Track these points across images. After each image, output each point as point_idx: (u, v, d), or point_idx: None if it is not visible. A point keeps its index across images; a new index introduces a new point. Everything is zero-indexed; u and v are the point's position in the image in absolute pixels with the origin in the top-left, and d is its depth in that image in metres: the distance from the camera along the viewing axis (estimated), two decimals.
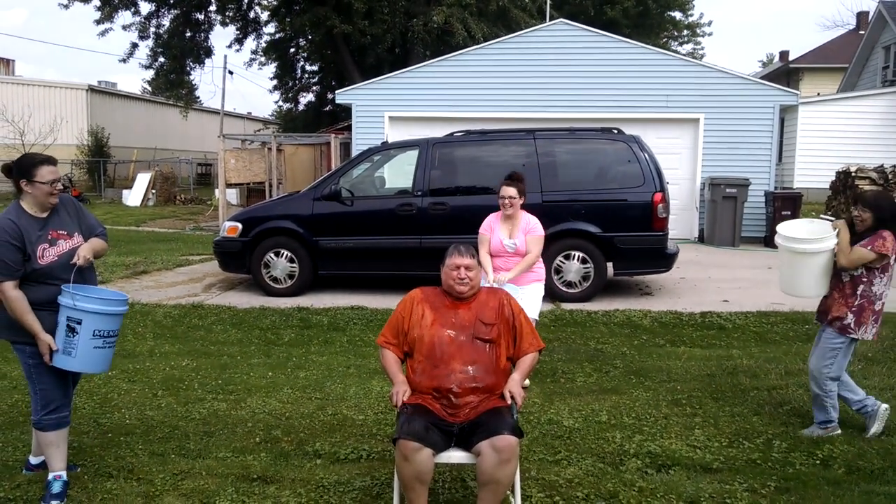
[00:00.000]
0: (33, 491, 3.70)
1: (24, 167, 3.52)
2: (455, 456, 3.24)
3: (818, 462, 4.01)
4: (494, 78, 14.10)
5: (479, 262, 3.68)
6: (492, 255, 5.65)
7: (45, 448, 3.69)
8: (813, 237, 4.35)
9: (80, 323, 3.44)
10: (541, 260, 5.69)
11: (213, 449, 4.27)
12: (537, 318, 5.77)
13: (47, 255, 3.51)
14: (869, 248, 4.10)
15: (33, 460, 3.95)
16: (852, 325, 4.24)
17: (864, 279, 4.21)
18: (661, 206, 8.17)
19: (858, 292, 4.23)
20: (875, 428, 4.36)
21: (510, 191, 5.58)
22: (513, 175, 5.78)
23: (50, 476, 3.67)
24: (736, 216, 12.82)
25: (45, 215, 3.58)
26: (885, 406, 4.41)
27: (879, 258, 4.12)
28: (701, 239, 13.65)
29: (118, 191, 25.68)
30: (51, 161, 3.58)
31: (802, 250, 4.33)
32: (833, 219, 4.54)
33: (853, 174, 15.83)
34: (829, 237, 4.26)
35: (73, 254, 3.56)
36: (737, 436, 4.39)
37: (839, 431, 4.39)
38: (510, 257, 5.60)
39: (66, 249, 3.57)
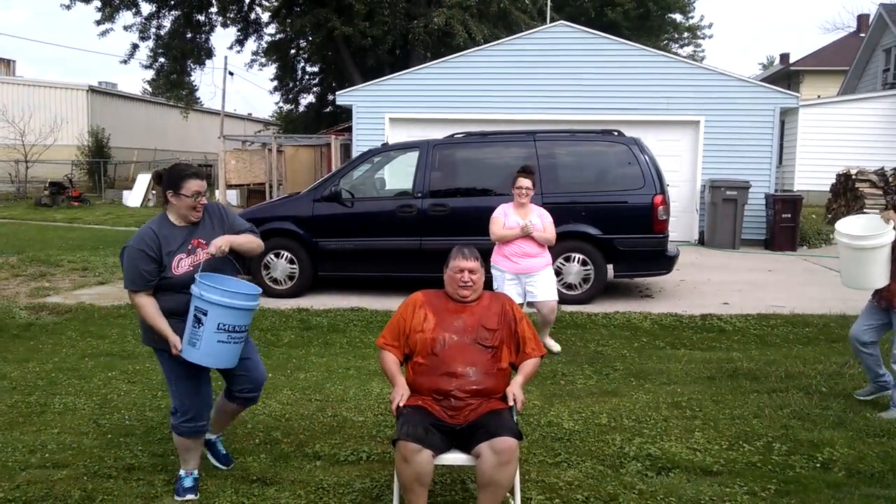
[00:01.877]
0: (33, 491, 3.70)
1: (172, 178, 3.51)
2: (455, 458, 3.24)
3: (818, 465, 4.00)
4: (495, 80, 14.10)
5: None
6: (509, 241, 6.27)
7: (180, 449, 3.70)
8: (870, 233, 4.62)
9: (205, 314, 3.34)
10: (546, 248, 6.35)
11: None
12: (557, 299, 6.48)
13: (182, 265, 3.50)
14: None
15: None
16: None
17: None
18: (661, 208, 8.17)
19: None
20: (867, 398, 4.91)
21: (527, 182, 6.24)
22: (526, 168, 6.44)
23: (181, 472, 3.71)
24: (736, 219, 12.83)
25: (188, 225, 3.56)
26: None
27: None
28: (701, 241, 13.65)
29: (118, 191, 25.67)
30: (199, 175, 3.55)
31: (864, 246, 4.61)
32: (878, 213, 4.84)
33: (853, 177, 15.85)
34: (888, 231, 4.54)
35: (214, 262, 3.56)
36: (737, 438, 4.38)
37: None
38: (525, 239, 6.24)
39: (201, 259, 3.53)
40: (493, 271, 6.37)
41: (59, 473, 3.92)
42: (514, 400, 3.34)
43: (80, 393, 5.37)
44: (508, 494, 3.29)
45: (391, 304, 7.91)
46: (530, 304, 6.40)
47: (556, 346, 6.56)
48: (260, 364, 3.85)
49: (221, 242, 3.47)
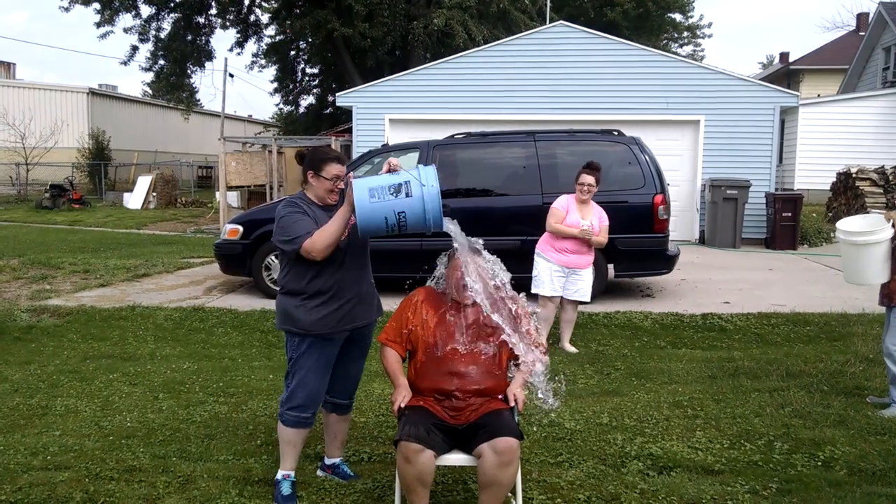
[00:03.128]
0: (34, 494, 3.70)
1: (315, 160, 3.55)
2: (456, 458, 3.24)
3: (820, 464, 4.00)
4: (495, 80, 14.11)
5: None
6: (564, 235, 6.37)
7: (282, 444, 3.69)
8: (870, 230, 4.76)
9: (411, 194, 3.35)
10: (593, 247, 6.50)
11: (215, 452, 4.27)
12: (590, 300, 6.69)
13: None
14: None
15: (328, 461, 3.98)
16: None
17: None
18: (661, 207, 8.17)
19: None
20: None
21: (590, 179, 6.33)
22: (591, 164, 6.49)
23: (279, 475, 3.70)
24: (736, 218, 12.82)
25: (327, 207, 3.57)
26: None
27: None
28: (702, 240, 13.65)
29: (119, 194, 25.67)
30: (340, 160, 3.59)
31: (864, 242, 4.76)
32: (882, 212, 4.99)
33: (854, 175, 15.84)
34: (886, 228, 4.67)
35: (354, 242, 3.60)
36: (738, 437, 4.38)
37: None
38: (580, 238, 6.33)
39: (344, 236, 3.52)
40: (536, 258, 6.54)
41: (61, 475, 3.92)
42: (515, 400, 3.34)
43: (82, 395, 5.38)
44: (510, 494, 3.29)
45: (392, 304, 7.87)
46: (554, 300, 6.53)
47: (573, 349, 6.63)
48: (359, 373, 3.91)
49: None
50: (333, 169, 3.53)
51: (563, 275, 6.44)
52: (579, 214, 6.37)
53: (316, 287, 3.52)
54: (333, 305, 3.55)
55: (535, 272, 6.56)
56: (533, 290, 6.66)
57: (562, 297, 6.53)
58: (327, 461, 3.98)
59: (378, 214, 3.29)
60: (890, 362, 4.79)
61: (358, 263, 3.69)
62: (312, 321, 3.52)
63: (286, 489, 3.66)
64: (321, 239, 3.36)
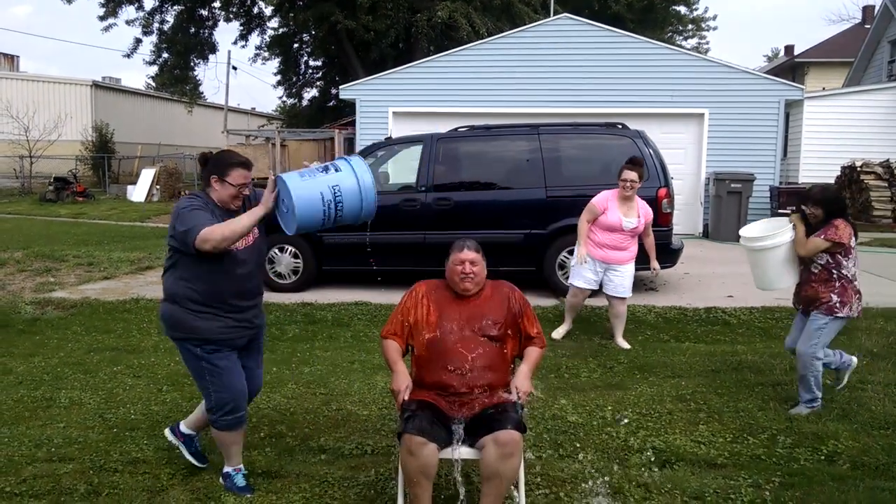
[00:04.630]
0: (39, 485, 3.72)
1: (221, 164, 3.47)
2: (459, 451, 3.24)
3: (823, 457, 4.00)
4: (499, 73, 14.07)
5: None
6: (602, 230, 6.33)
7: (223, 446, 3.69)
8: (768, 234, 4.77)
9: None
10: (636, 241, 6.44)
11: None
12: (631, 295, 6.58)
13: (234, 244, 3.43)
14: (822, 237, 4.49)
15: (182, 427, 3.94)
16: (838, 305, 4.55)
17: (833, 264, 4.55)
18: (665, 201, 8.14)
19: (835, 276, 4.56)
20: (846, 380, 4.98)
21: (632, 174, 6.22)
22: (634, 160, 6.46)
23: (229, 469, 3.71)
24: (741, 211, 12.79)
25: (228, 212, 3.50)
26: (855, 360, 5.04)
27: (835, 245, 4.48)
28: (705, 234, 13.63)
29: (123, 186, 25.70)
30: (247, 165, 3.52)
31: (762, 247, 4.79)
32: (789, 213, 4.95)
33: (859, 169, 15.78)
34: (784, 231, 4.67)
35: (254, 249, 3.59)
36: (741, 431, 4.39)
37: (820, 406, 4.70)
38: (624, 234, 6.30)
39: (241, 245, 3.50)
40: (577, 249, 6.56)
41: (65, 467, 3.94)
42: (518, 393, 3.32)
43: (86, 387, 5.39)
44: (513, 487, 3.29)
45: (395, 298, 7.87)
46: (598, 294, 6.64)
47: (626, 345, 6.54)
48: (261, 375, 3.87)
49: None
50: (239, 175, 3.45)
51: (601, 269, 6.43)
52: (621, 212, 6.28)
53: (211, 294, 3.44)
54: (231, 313, 3.49)
55: (573, 262, 6.64)
56: (569, 281, 6.82)
57: (605, 294, 6.57)
58: (185, 429, 3.91)
59: (313, 192, 3.27)
60: (801, 365, 4.70)
61: (254, 271, 3.62)
62: (208, 327, 3.45)
63: (240, 480, 3.68)
64: (221, 230, 3.24)
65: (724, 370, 5.69)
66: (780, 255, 4.72)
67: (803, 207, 4.64)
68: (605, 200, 6.38)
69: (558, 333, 6.78)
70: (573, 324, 6.91)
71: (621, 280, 6.44)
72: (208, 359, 3.49)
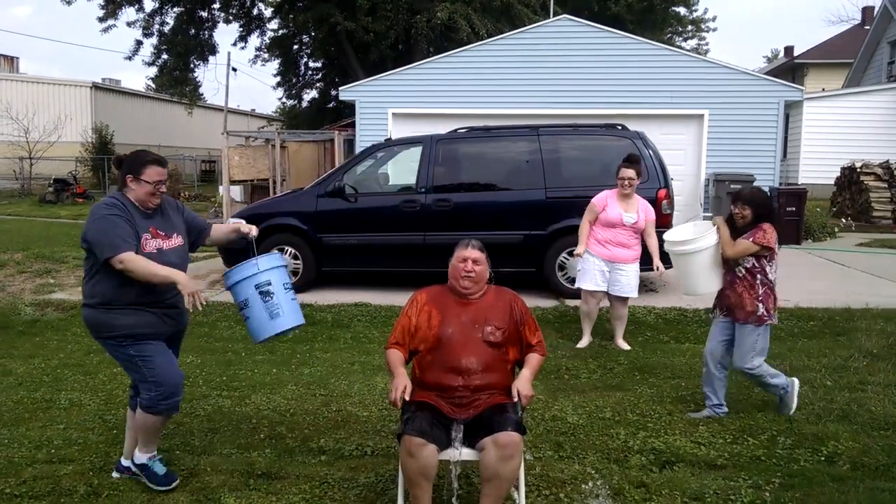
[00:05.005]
0: (38, 487, 3.72)
1: (136, 163, 3.50)
2: (458, 452, 3.23)
3: (823, 458, 4.00)
4: (498, 74, 14.07)
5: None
6: (604, 227, 6.35)
7: (146, 431, 3.67)
8: (693, 237, 4.65)
9: (270, 283, 3.59)
10: (640, 241, 6.44)
11: (218, 445, 4.28)
12: (636, 296, 6.57)
13: (149, 245, 3.49)
14: (751, 240, 4.41)
15: (125, 462, 3.89)
16: (766, 314, 4.50)
17: (759, 269, 4.49)
18: (665, 202, 8.15)
19: (758, 282, 4.50)
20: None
21: (630, 172, 6.28)
22: (631, 157, 6.48)
23: (144, 459, 3.70)
24: None
25: (148, 212, 3.54)
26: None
27: (763, 249, 4.42)
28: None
29: None
30: (161, 162, 3.55)
31: (684, 251, 4.67)
32: (712, 215, 4.81)
33: (858, 170, 15.80)
34: (710, 234, 4.56)
35: (176, 253, 3.62)
36: (741, 432, 4.38)
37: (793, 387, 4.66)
38: (626, 230, 6.31)
39: (163, 248, 3.54)
40: (585, 254, 6.51)
41: (65, 469, 3.94)
42: (519, 396, 3.31)
43: (86, 389, 5.39)
44: (513, 488, 3.29)
45: (395, 299, 7.92)
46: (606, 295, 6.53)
47: (626, 346, 6.55)
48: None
49: (252, 229, 3.76)
50: (154, 172, 3.49)
51: (607, 269, 6.40)
52: (621, 207, 6.32)
53: (130, 296, 3.46)
54: (158, 309, 3.56)
55: (579, 266, 6.59)
56: (577, 285, 6.71)
57: (608, 294, 6.51)
58: (136, 460, 3.79)
59: (292, 306, 3.69)
60: (748, 377, 4.66)
61: (182, 270, 3.63)
62: (132, 323, 3.49)
63: (160, 468, 3.69)
64: (140, 269, 3.34)
65: None
66: (707, 259, 4.59)
67: (732, 207, 4.58)
68: (604, 198, 6.42)
69: (582, 344, 6.63)
70: (592, 336, 6.74)
71: (627, 279, 6.40)
72: (138, 350, 3.52)
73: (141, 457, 3.72)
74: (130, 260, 3.32)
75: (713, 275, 4.63)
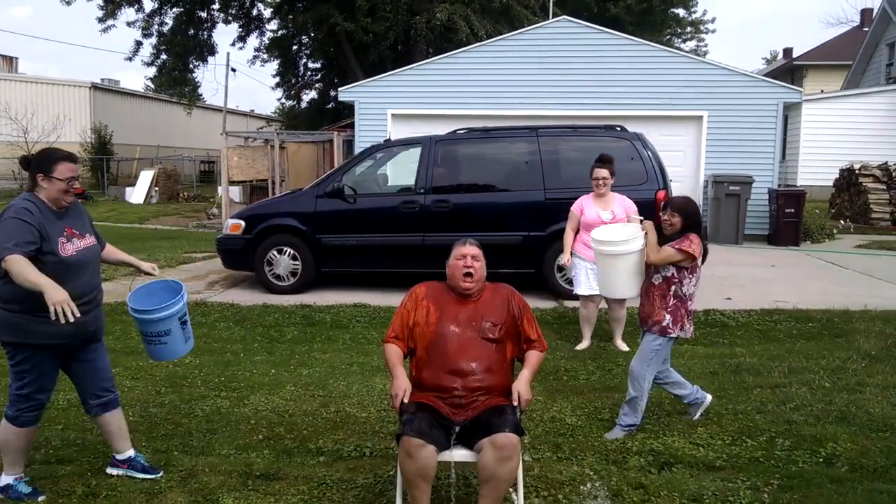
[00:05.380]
0: (37, 487, 3.71)
1: (44, 161, 3.45)
2: (458, 454, 3.23)
3: (821, 460, 4.00)
4: (497, 75, 14.07)
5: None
6: (585, 229, 6.21)
7: (10, 452, 3.59)
8: (624, 239, 4.54)
9: (186, 314, 3.85)
10: None
11: (217, 446, 4.28)
12: (633, 295, 6.17)
13: (68, 248, 3.45)
14: (677, 248, 4.32)
15: (120, 456, 3.89)
16: (671, 326, 4.38)
17: (676, 280, 4.38)
18: (664, 203, 8.14)
19: (671, 293, 4.39)
20: (697, 415, 4.66)
21: (603, 172, 6.28)
22: (602, 157, 6.43)
23: (9, 480, 3.61)
24: (739, 214, 12.80)
25: (60, 211, 3.51)
26: (710, 397, 4.73)
27: (687, 258, 4.33)
28: (704, 236, 13.61)
29: (121, 188, 25.72)
30: (72, 158, 3.52)
31: (611, 252, 4.57)
32: (642, 219, 4.74)
33: (857, 171, 15.82)
34: (638, 238, 4.45)
35: (92, 252, 3.62)
36: (740, 434, 4.38)
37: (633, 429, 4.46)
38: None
39: (80, 247, 3.53)
40: (573, 259, 6.52)
41: (63, 469, 3.94)
42: (519, 398, 3.31)
43: None
44: (511, 489, 3.29)
45: (394, 300, 7.89)
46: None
47: (624, 347, 6.48)
48: (108, 365, 3.88)
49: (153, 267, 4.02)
50: (66, 169, 3.45)
51: (593, 271, 6.20)
52: (598, 207, 6.33)
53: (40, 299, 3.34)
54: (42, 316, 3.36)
55: (573, 273, 6.60)
56: (574, 292, 6.69)
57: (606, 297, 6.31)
58: (119, 457, 3.86)
59: (191, 333, 3.96)
60: (632, 386, 4.47)
61: (92, 273, 3.64)
62: (40, 332, 3.41)
63: (25, 488, 3.61)
64: (15, 273, 3.19)
65: (723, 372, 5.69)
66: (631, 263, 4.47)
67: (661, 214, 4.48)
68: (579, 203, 6.47)
69: (581, 346, 6.58)
70: (591, 339, 6.68)
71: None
72: (35, 361, 3.48)
73: (5, 478, 3.62)
74: (13, 261, 3.20)
75: (634, 280, 4.53)
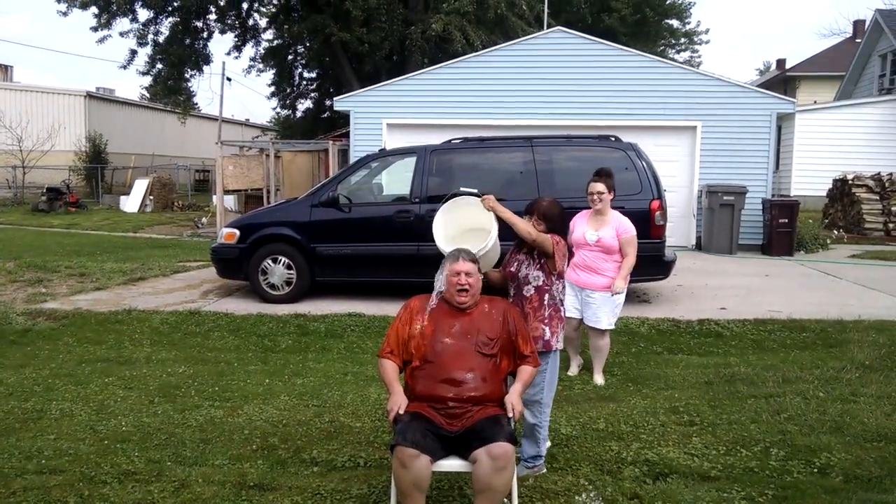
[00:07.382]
0: (29, 498, 3.69)
1: None
2: (452, 464, 3.23)
3: (816, 470, 4.00)
4: (492, 85, 14.12)
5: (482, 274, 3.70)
6: (574, 248, 5.72)
7: None
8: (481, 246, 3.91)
9: None
10: (616, 266, 5.70)
11: (210, 456, 4.26)
12: (607, 328, 5.79)
13: None
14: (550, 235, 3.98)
15: None
16: (553, 340, 4.01)
17: (547, 287, 4.00)
18: (658, 213, 8.17)
19: (545, 302, 4.00)
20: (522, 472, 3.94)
21: (598, 186, 5.68)
22: (601, 171, 5.83)
23: None
24: (733, 224, 12.84)
25: None
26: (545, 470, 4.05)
27: (555, 250, 3.96)
28: (698, 246, 13.66)
29: (116, 197, 25.65)
30: None
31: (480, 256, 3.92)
32: (475, 192, 4.40)
33: (850, 182, 15.90)
34: (487, 231, 4.01)
35: None
36: (734, 444, 4.38)
37: (545, 470, 4.02)
38: (593, 251, 5.67)
39: None
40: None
41: (56, 479, 3.91)
42: (513, 410, 3.31)
43: (77, 399, 5.36)
44: (506, 500, 3.28)
45: (388, 309, 7.90)
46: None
47: (601, 381, 5.84)
48: None
49: None
50: None
51: (575, 295, 5.77)
52: (589, 226, 5.75)
53: None
54: None
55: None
56: None
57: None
58: None
59: None
60: (528, 414, 3.93)
61: None
62: None
63: None
64: None
65: (718, 382, 5.69)
66: (496, 249, 4.07)
67: (527, 216, 4.19)
68: (573, 219, 5.85)
69: (573, 372, 6.11)
70: (581, 358, 6.26)
71: (595, 308, 5.71)
72: None
73: None
74: None
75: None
